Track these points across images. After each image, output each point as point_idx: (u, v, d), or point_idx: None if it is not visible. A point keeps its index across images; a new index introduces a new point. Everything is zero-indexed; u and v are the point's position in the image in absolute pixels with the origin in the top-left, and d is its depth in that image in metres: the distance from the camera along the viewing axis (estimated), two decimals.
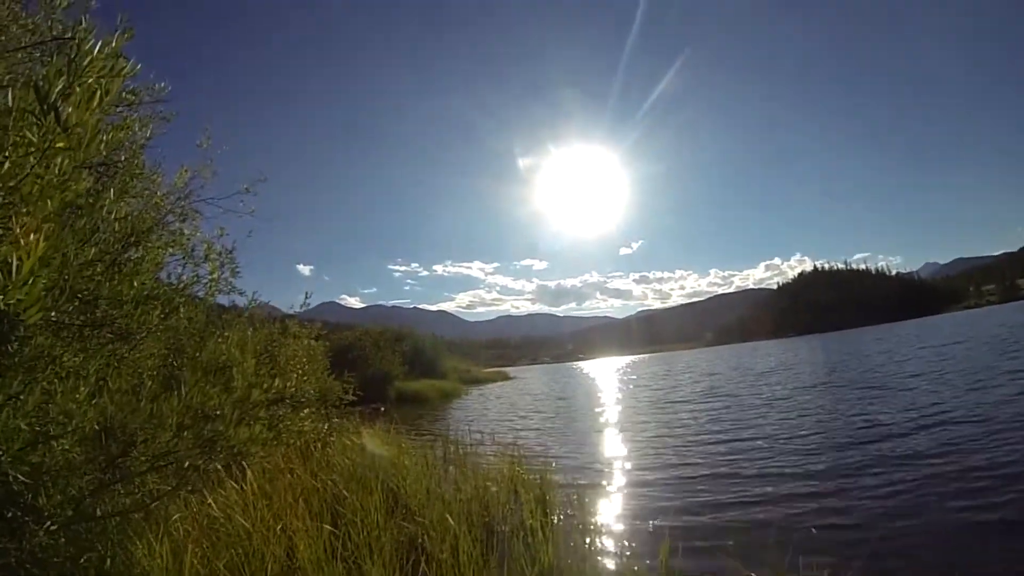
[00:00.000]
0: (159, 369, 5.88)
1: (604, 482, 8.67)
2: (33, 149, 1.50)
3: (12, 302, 1.24)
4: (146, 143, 5.45)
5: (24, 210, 1.47)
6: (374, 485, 5.25)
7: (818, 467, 8.09)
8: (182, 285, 5.92)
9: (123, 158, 5.23)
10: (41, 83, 1.47)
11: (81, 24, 3.86)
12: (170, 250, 5.61)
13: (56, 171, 1.55)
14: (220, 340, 6.14)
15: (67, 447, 2.42)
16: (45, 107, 1.45)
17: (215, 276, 6.22)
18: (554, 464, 9.17)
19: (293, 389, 5.57)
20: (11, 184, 1.48)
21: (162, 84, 5.15)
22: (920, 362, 22.09)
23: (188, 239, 6.07)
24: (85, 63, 1.63)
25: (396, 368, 36.74)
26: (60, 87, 1.50)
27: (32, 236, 1.23)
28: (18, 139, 1.55)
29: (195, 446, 3.10)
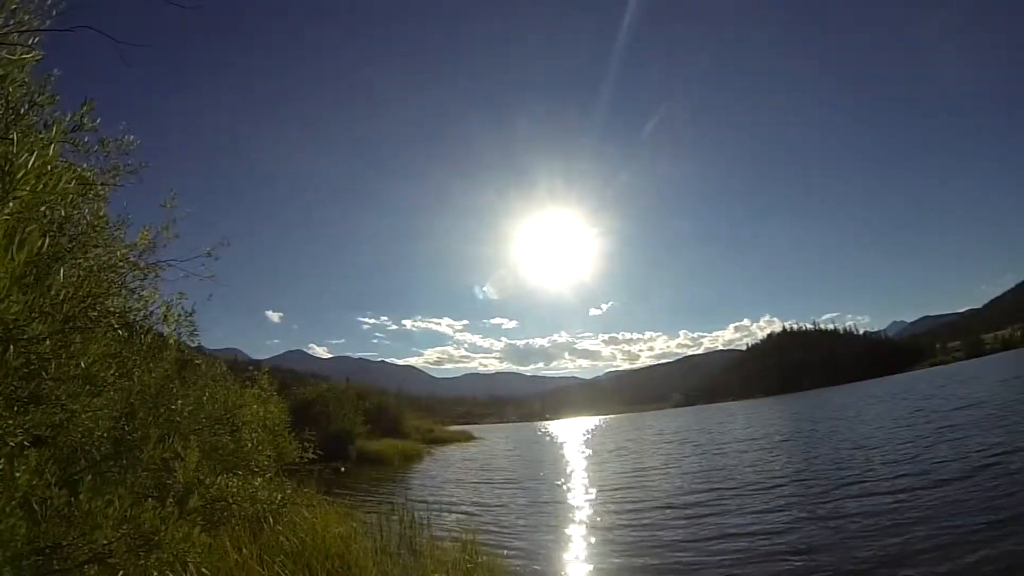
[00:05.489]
0: (109, 432, 5.63)
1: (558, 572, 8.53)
2: None
3: None
4: (108, 203, 5.30)
5: None
6: (320, 573, 5.05)
7: None
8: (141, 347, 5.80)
9: (85, 220, 5.10)
10: None
11: (43, 94, 3.76)
12: (129, 315, 5.50)
13: None
14: (172, 411, 5.96)
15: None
16: None
17: (172, 341, 6.12)
18: (504, 552, 9.11)
19: (235, 491, 5.39)
20: None
21: (131, 137, 4.94)
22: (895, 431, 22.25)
23: (147, 301, 5.96)
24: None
25: (358, 426, 35.78)
26: None
27: None
28: None
29: (128, 549, 2.96)
